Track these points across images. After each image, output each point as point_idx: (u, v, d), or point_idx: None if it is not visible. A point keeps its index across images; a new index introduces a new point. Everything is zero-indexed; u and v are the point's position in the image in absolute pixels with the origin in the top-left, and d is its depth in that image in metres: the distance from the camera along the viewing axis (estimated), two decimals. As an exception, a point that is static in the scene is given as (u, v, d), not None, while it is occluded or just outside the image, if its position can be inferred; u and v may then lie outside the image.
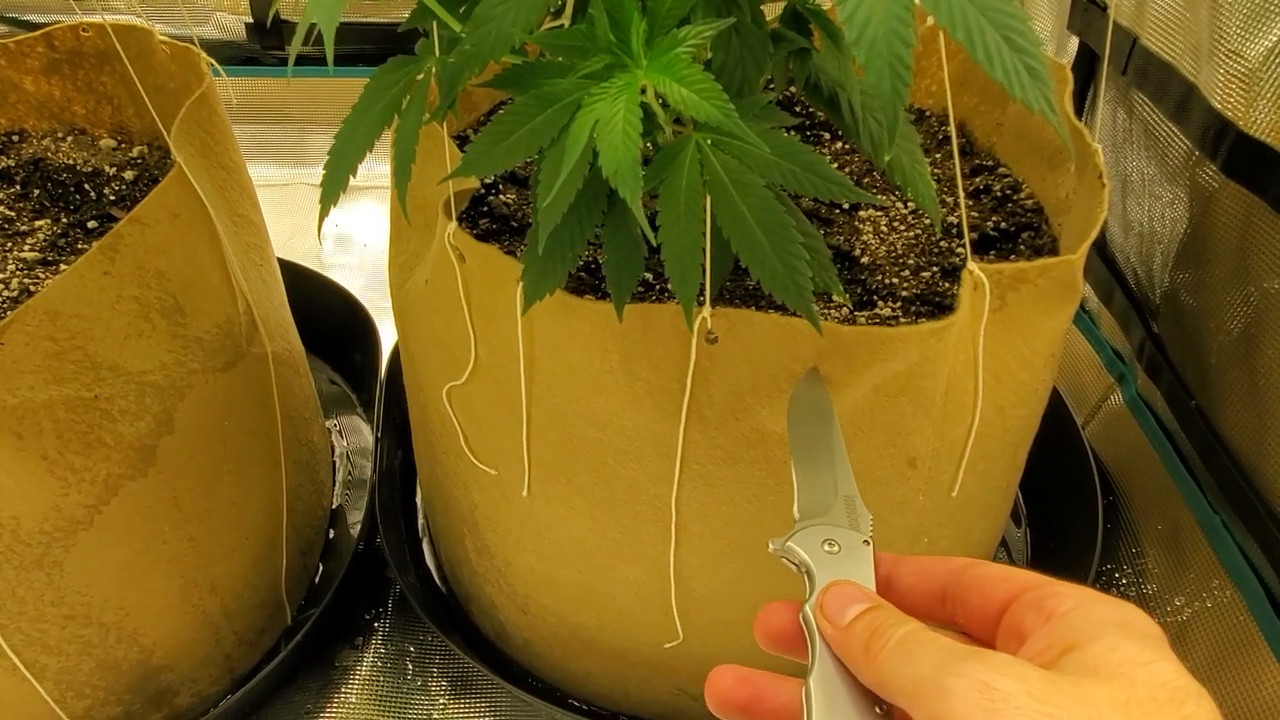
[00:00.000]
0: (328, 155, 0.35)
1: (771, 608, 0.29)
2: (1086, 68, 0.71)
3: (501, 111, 0.30)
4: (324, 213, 0.35)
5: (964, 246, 0.51)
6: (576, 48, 0.28)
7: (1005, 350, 0.43)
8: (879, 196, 0.56)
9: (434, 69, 0.34)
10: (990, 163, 0.58)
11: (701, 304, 0.36)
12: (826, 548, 0.29)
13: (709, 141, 0.30)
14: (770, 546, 0.30)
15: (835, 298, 0.46)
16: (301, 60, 1.11)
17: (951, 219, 0.53)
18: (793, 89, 0.67)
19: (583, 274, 0.48)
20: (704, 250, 0.31)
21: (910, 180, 0.35)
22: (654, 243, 0.30)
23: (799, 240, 0.30)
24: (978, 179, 0.57)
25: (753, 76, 0.31)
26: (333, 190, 0.35)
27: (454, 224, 0.43)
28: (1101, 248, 0.72)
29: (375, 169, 1.09)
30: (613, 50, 0.28)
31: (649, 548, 0.47)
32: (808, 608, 0.27)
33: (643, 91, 0.28)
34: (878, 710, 0.25)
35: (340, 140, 0.35)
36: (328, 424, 0.80)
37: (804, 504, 0.31)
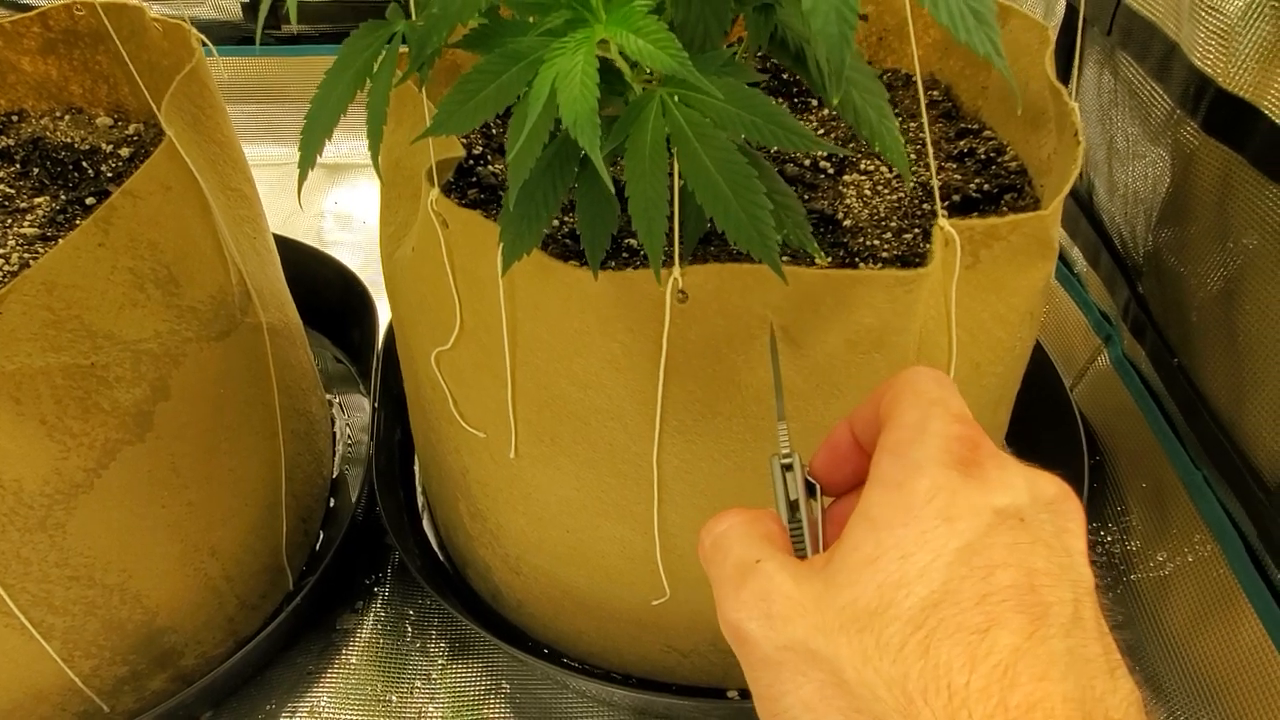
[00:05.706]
0: (304, 120, 0.36)
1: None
2: (1075, 32, 0.71)
3: (469, 70, 0.31)
4: (302, 177, 0.36)
5: (945, 209, 0.52)
6: (539, 4, 0.29)
7: (980, 307, 0.44)
8: (863, 160, 0.56)
9: (404, 33, 0.35)
10: (976, 126, 0.58)
11: (671, 263, 0.37)
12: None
13: (674, 97, 0.31)
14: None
15: (817, 260, 0.47)
16: (298, 40, 1.11)
17: (935, 182, 0.54)
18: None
19: (567, 241, 0.48)
20: (670, 204, 0.32)
21: (877, 133, 0.36)
22: (611, 190, 0.30)
23: (762, 191, 0.30)
24: (963, 142, 0.57)
25: (714, 32, 0.32)
26: (308, 155, 0.36)
27: (436, 190, 0.44)
28: (1089, 210, 0.72)
29: (373, 147, 1.10)
30: (572, 6, 0.28)
31: (633, 506, 0.48)
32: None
33: (605, 45, 0.29)
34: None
35: (315, 105, 0.36)
36: (331, 400, 0.81)
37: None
